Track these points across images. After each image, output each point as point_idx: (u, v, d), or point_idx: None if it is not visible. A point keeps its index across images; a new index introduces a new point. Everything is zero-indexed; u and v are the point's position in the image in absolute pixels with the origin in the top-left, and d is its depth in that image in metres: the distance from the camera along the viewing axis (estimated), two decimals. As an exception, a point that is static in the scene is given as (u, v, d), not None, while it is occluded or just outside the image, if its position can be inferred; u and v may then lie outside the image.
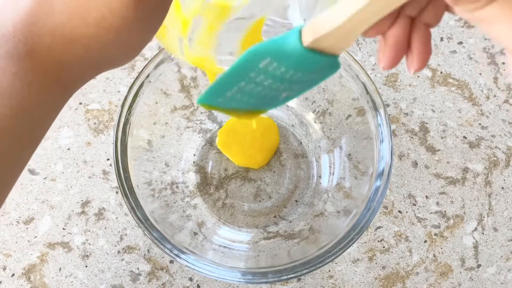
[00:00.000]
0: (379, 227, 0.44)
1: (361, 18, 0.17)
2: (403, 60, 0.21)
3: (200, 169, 0.45)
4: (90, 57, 0.22)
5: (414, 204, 0.45)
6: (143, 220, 0.34)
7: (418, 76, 0.49)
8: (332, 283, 0.42)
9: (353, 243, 0.34)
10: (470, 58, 0.49)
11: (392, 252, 0.43)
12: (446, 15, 0.26)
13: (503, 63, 0.48)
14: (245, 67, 0.20)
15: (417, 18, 0.20)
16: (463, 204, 0.45)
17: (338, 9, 0.18)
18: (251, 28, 0.28)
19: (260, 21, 0.28)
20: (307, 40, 0.18)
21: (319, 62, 0.19)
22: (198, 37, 0.28)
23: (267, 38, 0.30)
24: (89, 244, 0.43)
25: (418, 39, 0.20)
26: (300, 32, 0.19)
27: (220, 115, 0.46)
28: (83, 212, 0.44)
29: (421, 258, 0.43)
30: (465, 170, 0.46)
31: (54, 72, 0.21)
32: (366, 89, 0.37)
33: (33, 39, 0.21)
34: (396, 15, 0.19)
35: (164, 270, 0.42)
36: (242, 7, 0.27)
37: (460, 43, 0.50)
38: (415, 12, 0.19)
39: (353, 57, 0.38)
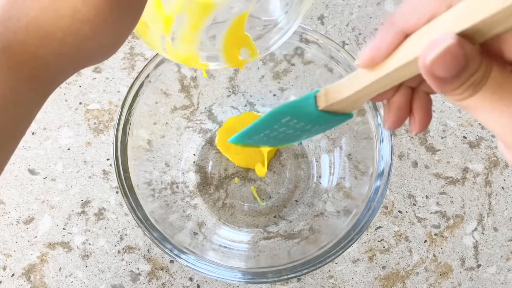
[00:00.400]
0: (379, 227, 0.44)
1: (365, 92, 0.20)
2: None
3: (200, 169, 0.45)
4: (67, 52, 0.21)
5: (414, 204, 0.45)
6: (143, 220, 0.34)
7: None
8: (332, 283, 0.42)
9: (353, 243, 0.34)
10: (470, 58, 0.49)
11: (392, 252, 0.43)
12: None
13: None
14: (269, 122, 0.24)
15: (417, 87, 0.22)
16: (463, 204, 0.45)
17: (346, 83, 0.21)
18: (234, 24, 0.28)
19: (242, 16, 0.28)
20: (321, 104, 0.22)
21: (333, 118, 0.23)
22: (181, 34, 0.28)
23: (255, 39, 0.30)
24: (89, 244, 0.43)
25: (418, 106, 0.22)
26: (315, 97, 0.22)
27: (220, 115, 0.46)
28: (83, 212, 0.44)
29: (421, 258, 0.43)
30: (465, 170, 0.46)
31: (29, 68, 0.21)
32: (366, 89, 0.37)
33: (7, 36, 0.20)
34: (398, 85, 0.22)
35: (164, 270, 0.42)
36: (225, 3, 0.27)
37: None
38: (415, 84, 0.22)
39: (353, 57, 0.38)
